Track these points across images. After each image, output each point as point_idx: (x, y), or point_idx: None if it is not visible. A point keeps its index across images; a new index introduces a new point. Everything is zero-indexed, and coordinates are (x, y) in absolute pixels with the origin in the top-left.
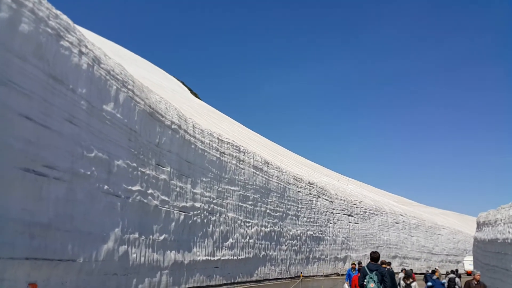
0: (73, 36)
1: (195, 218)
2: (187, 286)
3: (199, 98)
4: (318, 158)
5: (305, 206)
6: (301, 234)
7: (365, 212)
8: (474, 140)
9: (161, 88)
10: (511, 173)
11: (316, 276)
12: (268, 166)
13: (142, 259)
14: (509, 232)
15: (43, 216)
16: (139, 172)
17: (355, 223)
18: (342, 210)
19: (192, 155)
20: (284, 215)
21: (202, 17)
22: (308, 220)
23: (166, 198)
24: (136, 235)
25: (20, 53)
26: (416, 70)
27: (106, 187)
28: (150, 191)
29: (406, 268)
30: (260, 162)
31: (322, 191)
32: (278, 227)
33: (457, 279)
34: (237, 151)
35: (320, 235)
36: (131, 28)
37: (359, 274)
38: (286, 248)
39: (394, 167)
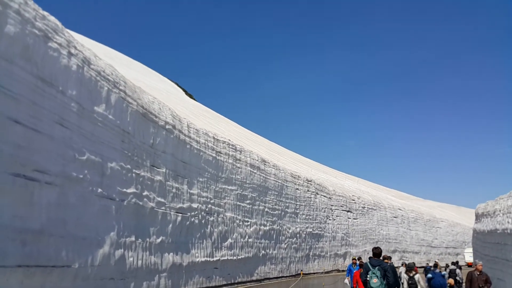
0: (61, 38)
1: (192, 219)
2: None
3: (194, 99)
4: (315, 155)
5: (303, 204)
6: (301, 232)
7: (364, 207)
8: (469, 132)
9: (155, 90)
10: (507, 164)
11: (316, 273)
12: (265, 164)
13: (140, 262)
14: (508, 222)
15: (35, 222)
16: (133, 174)
17: (354, 218)
18: (341, 206)
19: (188, 155)
20: (283, 213)
21: (196, 17)
22: (307, 217)
23: (162, 200)
24: (133, 238)
25: (6, 55)
26: (411, 62)
27: (99, 190)
28: (145, 193)
29: (407, 262)
30: (257, 160)
31: (320, 188)
32: (277, 226)
33: (457, 270)
34: (234, 150)
35: (320, 232)
36: (123, 30)
37: (360, 270)
38: (285, 246)
39: (391, 161)
